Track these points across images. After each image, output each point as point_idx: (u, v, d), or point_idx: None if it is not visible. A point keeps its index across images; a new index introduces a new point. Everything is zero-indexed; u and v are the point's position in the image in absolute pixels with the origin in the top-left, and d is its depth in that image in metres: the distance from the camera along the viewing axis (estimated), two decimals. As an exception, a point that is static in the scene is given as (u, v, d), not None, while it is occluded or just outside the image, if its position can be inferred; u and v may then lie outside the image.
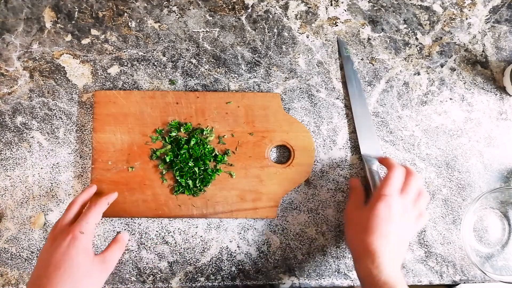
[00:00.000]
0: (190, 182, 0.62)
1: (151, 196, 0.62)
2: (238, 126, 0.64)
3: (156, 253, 0.63)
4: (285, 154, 0.65)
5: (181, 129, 0.63)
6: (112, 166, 0.63)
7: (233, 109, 0.64)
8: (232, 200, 0.63)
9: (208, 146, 0.63)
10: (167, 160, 0.62)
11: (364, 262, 0.52)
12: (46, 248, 0.52)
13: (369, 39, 0.68)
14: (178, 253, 0.63)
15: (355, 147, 0.66)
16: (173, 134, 0.63)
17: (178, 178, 0.62)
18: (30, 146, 0.65)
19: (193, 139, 0.62)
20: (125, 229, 0.63)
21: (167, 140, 0.63)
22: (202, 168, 0.62)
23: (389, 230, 0.53)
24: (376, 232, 0.53)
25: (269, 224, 0.64)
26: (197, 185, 0.62)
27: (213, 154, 0.63)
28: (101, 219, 0.62)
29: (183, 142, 0.63)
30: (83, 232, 0.52)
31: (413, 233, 0.58)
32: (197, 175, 0.62)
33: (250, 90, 0.67)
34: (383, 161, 0.60)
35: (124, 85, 0.66)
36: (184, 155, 0.62)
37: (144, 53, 0.67)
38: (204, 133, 0.63)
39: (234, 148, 0.63)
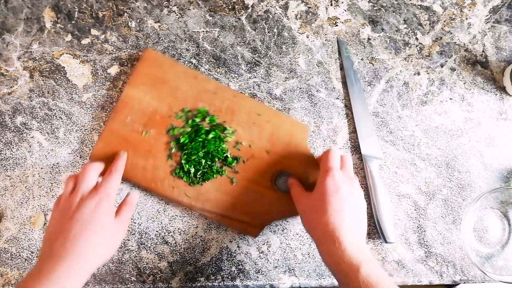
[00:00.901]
0: (192, 170, 0.62)
1: (151, 166, 0.62)
2: (259, 140, 0.63)
3: (156, 253, 0.63)
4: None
5: (206, 119, 0.63)
6: (129, 123, 0.62)
7: (261, 122, 0.63)
8: (223, 204, 0.62)
9: (224, 146, 0.62)
10: (181, 141, 0.62)
11: (327, 245, 0.51)
12: (63, 214, 0.52)
13: (369, 39, 0.68)
14: (178, 253, 0.63)
15: (355, 147, 0.66)
16: (197, 120, 0.63)
17: (183, 162, 0.62)
18: (30, 146, 0.65)
19: (213, 133, 0.62)
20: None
21: (189, 123, 0.63)
22: (209, 163, 0.62)
23: (341, 204, 0.52)
24: (329, 209, 0.52)
25: (269, 224, 0.64)
26: (198, 176, 0.62)
27: (225, 155, 0.62)
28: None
29: (202, 132, 0.62)
30: (109, 194, 0.53)
31: (364, 205, 0.57)
32: (201, 167, 0.62)
33: (250, 90, 0.67)
34: (320, 157, 0.60)
35: (124, 85, 0.66)
36: (198, 144, 0.62)
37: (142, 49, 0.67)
38: (225, 132, 0.63)
39: (246, 159, 0.63)
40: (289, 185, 0.62)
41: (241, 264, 0.63)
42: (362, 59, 0.68)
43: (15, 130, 0.65)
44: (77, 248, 0.49)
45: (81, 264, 0.49)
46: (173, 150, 0.62)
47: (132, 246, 0.63)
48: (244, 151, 0.63)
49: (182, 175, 0.62)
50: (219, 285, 0.63)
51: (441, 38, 0.69)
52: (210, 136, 0.62)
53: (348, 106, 0.67)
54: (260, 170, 0.63)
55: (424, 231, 0.65)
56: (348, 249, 0.49)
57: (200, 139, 0.62)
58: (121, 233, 0.55)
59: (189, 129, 0.63)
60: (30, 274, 0.48)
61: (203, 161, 0.62)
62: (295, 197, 0.59)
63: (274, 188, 0.63)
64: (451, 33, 0.69)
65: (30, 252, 0.63)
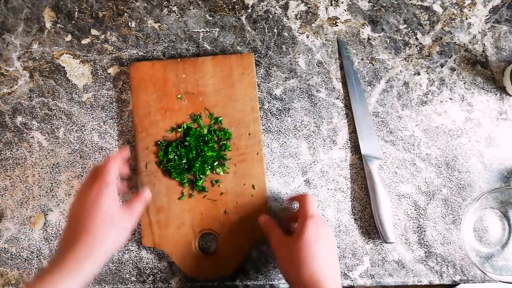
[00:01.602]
0: (176, 158, 0.62)
1: (147, 127, 0.63)
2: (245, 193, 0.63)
3: (156, 253, 0.63)
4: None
5: (223, 137, 0.63)
6: (150, 93, 0.64)
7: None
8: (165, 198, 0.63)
9: (215, 164, 0.63)
10: (184, 127, 0.63)
11: None
12: (74, 205, 0.53)
13: (369, 39, 0.68)
14: (178, 253, 0.63)
15: (355, 147, 0.66)
16: (213, 129, 0.64)
17: (171, 148, 0.62)
18: (30, 146, 0.65)
19: (217, 152, 0.63)
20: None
21: (200, 123, 0.63)
22: (191, 165, 0.62)
23: (324, 252, 0.52)
24: (314, 258, 0.51)
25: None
26: (175, 166, 0.62)
27: (208, 167, 0.62)
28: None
29: (208, 138, 0.63)
30: (108, 182, 0.53)
31: (336, 245, 0.57)
32: (182, 162, 0.62)
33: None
34: (294, 199, 0.60)
35: (124, 85, 0.66)
36: (198, 143, 0.62)
37: (144, 53, 0.67)
38: (222, 156, 0.63)
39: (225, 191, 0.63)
40: (262, 224, 0.59)
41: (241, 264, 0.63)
42: (362, 59, 0.68)
43: (15, 130, 0.65)
44: (86, 233, 0.50)
45: (93, 249, 0.49)
46: (169, 132, 0.63)
47: (132, 246, 0.63)
48: (227, 181, 0.63)
49: (165, 161, 0.62)
50: (219, 285, 0.63)
51: (441, 38, 0.69)
52: (209, 145, 0.63)
53: (348, 106, 0.67)
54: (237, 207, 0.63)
55: (424, 231, 0.65)
56: None
57: (201, 142, 0.62)
58: (130, 223, 0.54)
59: (201, 128, 0.63)
60: (50, 263, 0.49)
61: (188, 156, 0.62)
62: (275, 242, 0.56)
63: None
64: (451, 33, 0.69)
65: (30, 252, 0.63)
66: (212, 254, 0.62)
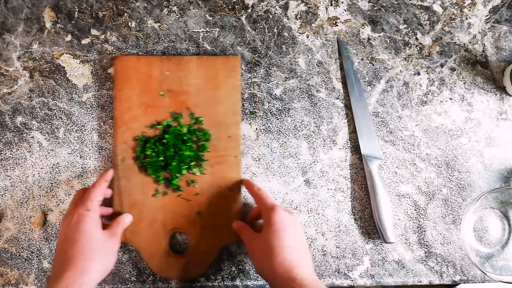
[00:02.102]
0: (153, 155, 0.62)
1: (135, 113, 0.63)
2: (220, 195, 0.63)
3: (156, 253, 0.63)
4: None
5: (202, 138, 0.63)
6: (133, 87, 0.64)
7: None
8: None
9: (192, 163, 0.62)
10: (164, 124, 0.63)
11: (287, 284, 0.50)
12: (60, 232, 0.55)
13: (369, 39, 0.68)
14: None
15: (355, 147, 0.66)
16: (193, 128, 0.63)
17: (149, 144, 0.62)
18: (30, 146, 0.65)
19: (195, 152, 0.62)
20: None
21: (181, 122, 0.63)
22: (168, 163, 0.62)
23: (293, 239, 0.53)
24: (283, 247, 0.52)
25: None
26: (151, 162, 0.62)
27: (184, 166, 0.62)
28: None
29: (187, 137, 0.62)
30: (89, 209, 0.54)
31: (303, 234, 0.57)
32: (159, 159, 0.62)
33: (250, 90, 0.66)
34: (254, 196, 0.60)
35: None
36: (176, 141, 0.62)
37: (144, 53, 0.67)
38: (200, 158, 0.63)
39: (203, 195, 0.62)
40: (236, 229, 0.60)
41: (241, 264, 0.63)
42: (362, 59, 0.68)
43: (15, 130, 0.65)
44: (72, 262, 0.51)
45: (79, 277, 0.50)
46: (152, 125, 0.63)
47: (132, 246, 0.63)
48: (204, 186, 0.63)
49: (142, 153, 0.62)
50: (219, 285, 0.63)
51: (441, 38, 0.69)
52: (188, 144, 0.62)
53: (348, 106, 0.67)
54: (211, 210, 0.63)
55: (424, 231, 0.65)
56: (309, 285, 0.48)
57: (180, 141, 0.62)
58: (115, 246, 0.56)
59: (179, 126, 0.63)
60: None
61: (165, 154, 0.62)
62: (246, 240, 0.57)
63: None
64: (451, 33, 0.69)
65: (30, 252, 0.63)
66: (181, 254, 0.62)
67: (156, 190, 0.62)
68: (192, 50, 0.67)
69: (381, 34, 0.69)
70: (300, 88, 0.67)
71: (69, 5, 0.68)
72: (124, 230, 0.60)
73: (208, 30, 0.68)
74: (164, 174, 0.62)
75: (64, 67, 0.67)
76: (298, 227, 0.55)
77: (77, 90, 0.66)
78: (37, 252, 0.63)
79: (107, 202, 0.61)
